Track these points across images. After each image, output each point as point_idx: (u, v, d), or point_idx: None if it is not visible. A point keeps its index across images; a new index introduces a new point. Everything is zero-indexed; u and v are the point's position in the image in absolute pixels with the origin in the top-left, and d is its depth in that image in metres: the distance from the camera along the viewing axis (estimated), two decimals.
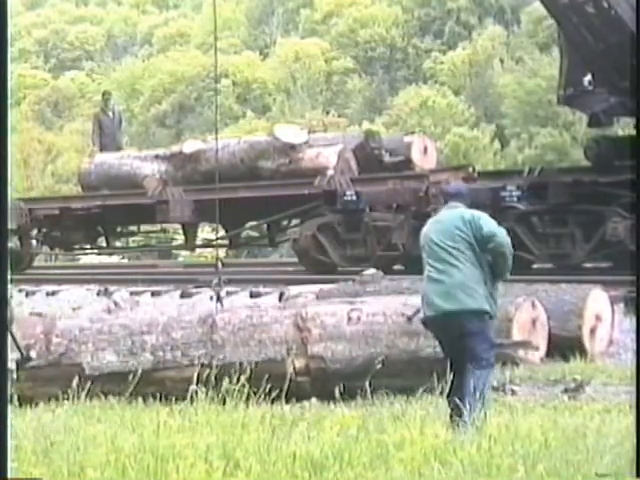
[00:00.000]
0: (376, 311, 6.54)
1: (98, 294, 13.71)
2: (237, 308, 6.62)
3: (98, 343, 6.30)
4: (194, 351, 6.34)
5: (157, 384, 6.29)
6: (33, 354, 6.20)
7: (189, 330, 6.40)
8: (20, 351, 6.07)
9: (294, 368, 6.34)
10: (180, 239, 19.86)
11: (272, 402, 6.01)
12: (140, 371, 6.21)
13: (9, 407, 3.11)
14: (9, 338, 3.54)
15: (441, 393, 6.21)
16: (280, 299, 10.57)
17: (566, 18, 12.79)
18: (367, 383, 6.28)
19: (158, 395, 6.18)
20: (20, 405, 5.96)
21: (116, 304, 7.26)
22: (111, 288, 13.90)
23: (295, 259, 15.72)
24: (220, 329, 6.36)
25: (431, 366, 6.33)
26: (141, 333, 6.34)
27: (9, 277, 3.20)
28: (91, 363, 6.24)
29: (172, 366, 6.27)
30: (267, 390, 6.38)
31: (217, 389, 5.37)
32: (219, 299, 6.64)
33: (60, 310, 7.66)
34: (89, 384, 6.06)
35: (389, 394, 6.62)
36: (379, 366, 6.38)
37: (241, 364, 6.00)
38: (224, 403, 5.25)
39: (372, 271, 10.83)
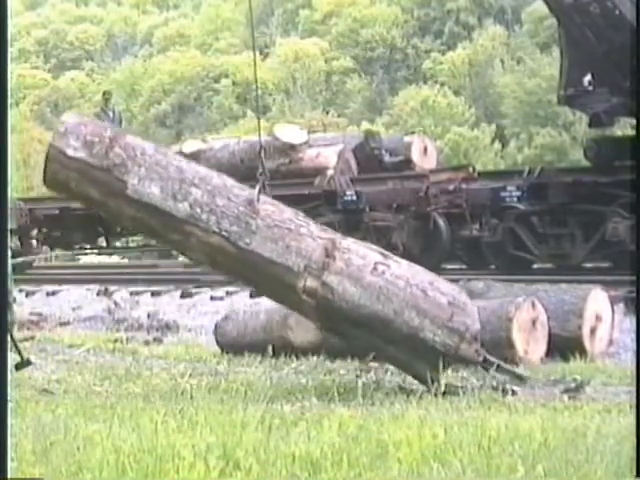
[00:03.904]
0: (402, 275, 6.46)
1: (98, 294, 13.74)
2: (283, 206, 6.61)
3: (150, 172, 6.29)
4: (227, 224, 6.33)
5: (182, 235, 6.36)
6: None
7: (233, 203, 6.38)
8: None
9: (304, 285, 6.32)
10: None
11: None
12: (173, 216, 6.28)
13: (9, 406, 3.11)
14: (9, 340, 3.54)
15: (436, 394, 6.23)
16: None
17: (569, 18, 12.79)
18: (363, 335, 6.36)
19: (180, 247, 6.54)
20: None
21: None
22: (111, 288, 13.92)
23: None
24: (260, 217, 6.36)
25: (424, 351, 6.32)
26: (191, 184, 6.34)
27: (9, 277, 3.19)
28: (135, 186, 6.23)
29: (202, 226, 6.30)
30: (270, 293, 6.64)
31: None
32: (264, 187, 6.71)
33: None
34: (125, 206, 6.20)
35: (376, 358, 6.75)
36: (379, 326, 6.35)
37: (261, 256, 6.09)
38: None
39: None
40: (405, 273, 6.47)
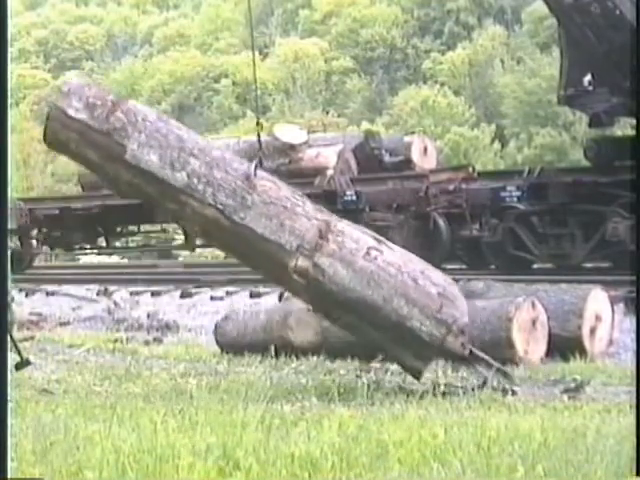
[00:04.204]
0: (394, 262, 6.43)
1: (98, 294, 13.74)
2: (281, 183, 6.57)
3: (150, 139, 6.24)
4: (223, 197, 6.29)
5: (178, 204, 6.32)
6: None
7: (231, 177, 6.34)
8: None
9: (296, 265, 6.29)
10: (180, 239, 19.88)
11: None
12: (169, 185, 6.25)
13: (9, 406, 3.11)
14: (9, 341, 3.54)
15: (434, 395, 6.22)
16: (280, 299, 10.57)
17: (569, 18, 12.79)
18: (351, 319, 6.36)
19: (176, 216, 6.52)
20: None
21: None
22: (111, 288, 13.92)
23: None
24: (256, 193, 6.32)
25: (410, 340, 6.30)
26: (190, 154, 6.30)
27: (9, 277, 3.18)
28: (134, 151, 6.19)
29: (198, 197, 6.25)
30: (262, 270, 6.67)
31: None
32: (261, 162, 6.66)
33: None
34: (123, 170, 6.19)
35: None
36: (367, 311, 6.33)
37: (254, 232, 6.12)
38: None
39: None
40: (397, 260, 6.44)
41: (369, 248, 6.40)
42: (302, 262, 6.28)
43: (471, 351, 6.54)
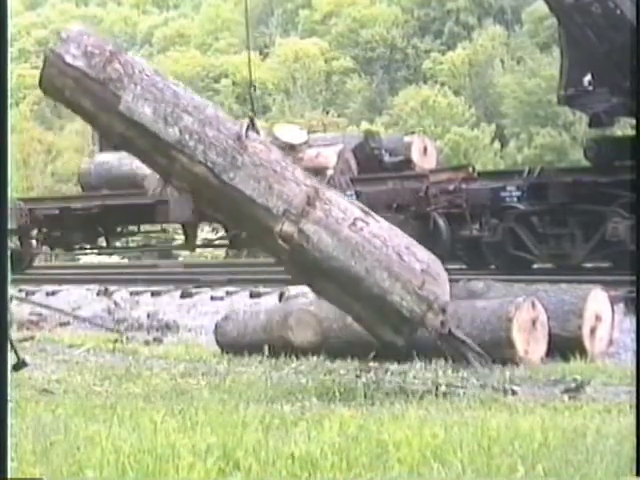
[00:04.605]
0: (380, 234, 6.41)
1: (98, 294, 13.74)
2: (273, 147, 6.55)
3: (145, 92, 6.20)
4: (214, 155, 6.26)
5: (168, 159, 6.29)
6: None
7: (223, 135, 6.31)
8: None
9: (281, 229, 6.27)
10: (180, 239, 19.89)
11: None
12: (160, 139, 6.22)
13: (9, 406, 3.11)
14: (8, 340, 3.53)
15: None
16: (280, 299, 10.57)
17: (570, 18, 12.78)
18: (331, 288, 6.37)
19: (165, 172, 6.42)
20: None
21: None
22: (111, 288, 13.92)
23: None
24: (247, 154, 6.29)
25: (389, 314, 6.28)
26: (184, 110, 6.28)
27: (9, 277, 3.19)
28: (128, 103, 6.13)
29: (189, 153, 6.22)
30: (248, 233, 6.67)
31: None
32: (252, 123, 6.62)
33: None
34: (116, 121, 6.18)
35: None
36: (349, 281, 6.32)
37: (242, 193, 6.13)
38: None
39: None
40: (383, 233, 6.42)
41: (356, 219, 6.39)
42: (287, 227, 6.27)
43: (450, 331, 6.53)
